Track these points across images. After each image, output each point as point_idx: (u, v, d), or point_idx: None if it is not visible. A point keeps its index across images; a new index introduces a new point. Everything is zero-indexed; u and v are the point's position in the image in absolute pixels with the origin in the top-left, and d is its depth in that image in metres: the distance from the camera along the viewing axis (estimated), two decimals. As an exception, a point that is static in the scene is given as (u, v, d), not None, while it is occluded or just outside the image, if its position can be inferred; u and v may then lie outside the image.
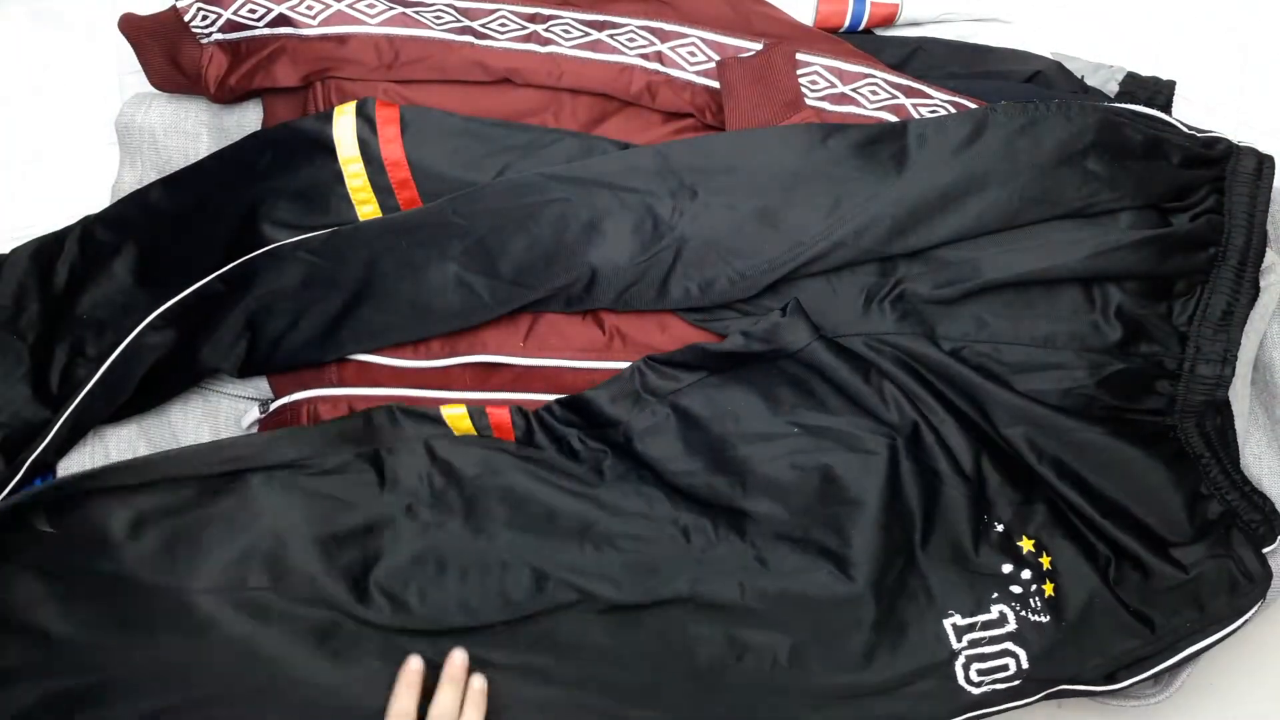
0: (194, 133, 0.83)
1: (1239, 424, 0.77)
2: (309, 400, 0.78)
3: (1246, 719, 0.87)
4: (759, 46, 0.81)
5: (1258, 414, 0.81)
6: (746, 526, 0.74)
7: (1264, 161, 0.77)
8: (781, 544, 0.73)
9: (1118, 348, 0.74)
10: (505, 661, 0.72)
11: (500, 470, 0.75)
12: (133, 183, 0.85)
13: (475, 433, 0.76)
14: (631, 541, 0.73)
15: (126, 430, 0.83)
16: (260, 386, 0.82)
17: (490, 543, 0.73)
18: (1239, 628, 0.74)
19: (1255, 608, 0.73)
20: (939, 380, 0.74)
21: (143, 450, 0.83)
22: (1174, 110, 0.87)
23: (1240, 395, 0.77)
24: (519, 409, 0.76)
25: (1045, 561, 0.74)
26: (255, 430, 0.81)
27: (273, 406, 0.80)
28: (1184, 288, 0.75)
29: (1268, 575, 0.73)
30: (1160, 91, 0.87)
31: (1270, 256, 0.78)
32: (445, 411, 0.76)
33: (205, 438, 0.83)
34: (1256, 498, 0.74)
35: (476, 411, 0.76)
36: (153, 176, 0.85)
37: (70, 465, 0.83)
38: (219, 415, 0.83)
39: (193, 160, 0.83)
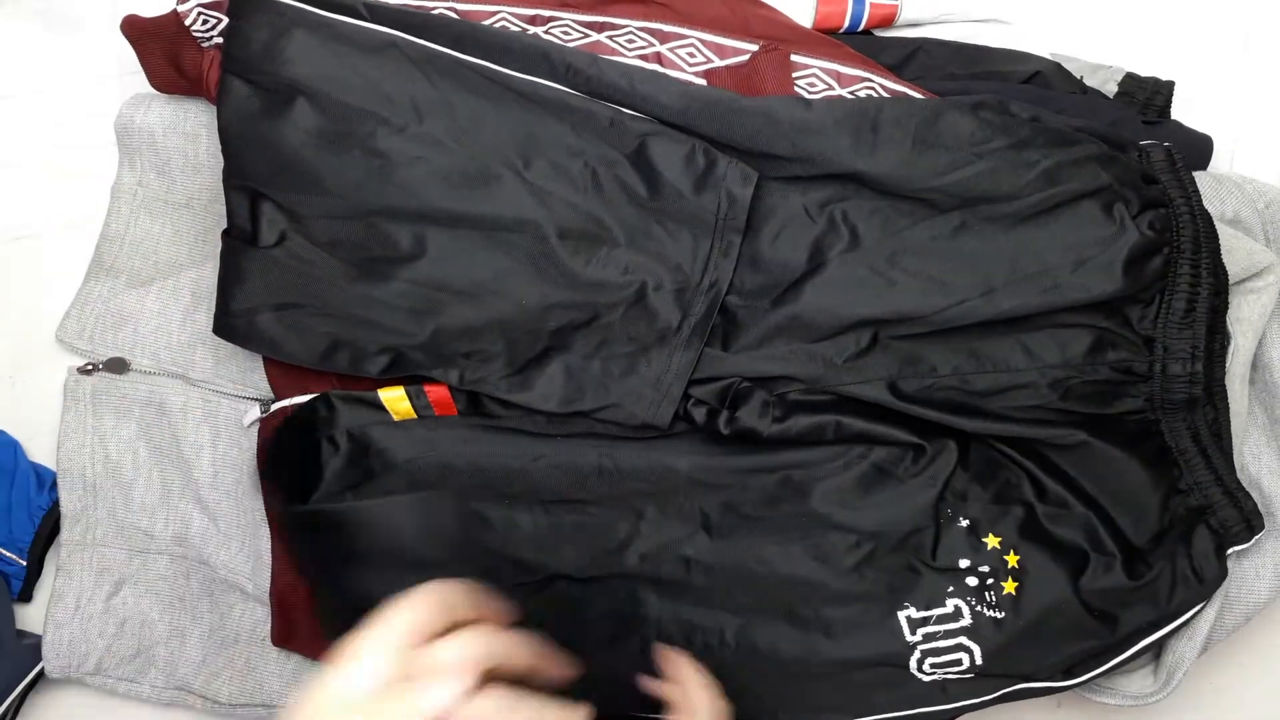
0: (193, 133, 0.83)
1: (1236, 424, 0.77)
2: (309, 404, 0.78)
3: (1246, 719, 0.87)
4: (757, 48, 0.81)
5: (1256, 413, 0.81)
6: (698, 495, 0.75)
7: (1170, 150, 0.77)
8: (729, 515, 0.74)
9: (1083, 359, 0.74)
10: None
11: (438, 447, 0.76)
12: (132, 184, 0.86)
13: (415, 414, 0.76)
14: (585, 505, 0.74)
15: (126, 430, 0.83)
16: (261, 386, 0.82)
17: None
18: (1191, 619, 0.74)
19: (1203, 604, 0.74)
20: (904, 419, 0.75)
21: (143, 451, 0.83)
22: (1174, 110, 0.87)
23: (1239, 395, 0.77)
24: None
25: (1012, 559, 0.74)
26: (256, 429, 0.81)
27: (274, 407, 0.80)
28: (1145, 296, 0.75)
29: (1222, 574, 0.74)
30: (1160, 91, 0.87)
31: (1270, 256, 0.78)
32: (383, 395, 0.76)
33: (205, 437, 0.83)
34: (1239, 494, 0.74)
35: (414, 392, 0.76)
36: (152, 177, 0.85)
37: (71, 460, 0.83)
38: (219, 414, 0.83)
39: (191, 161, 0.84)
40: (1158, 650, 0.77)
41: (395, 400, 0.76)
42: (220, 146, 0.75)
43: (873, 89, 0.80)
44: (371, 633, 0.50)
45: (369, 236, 0.74)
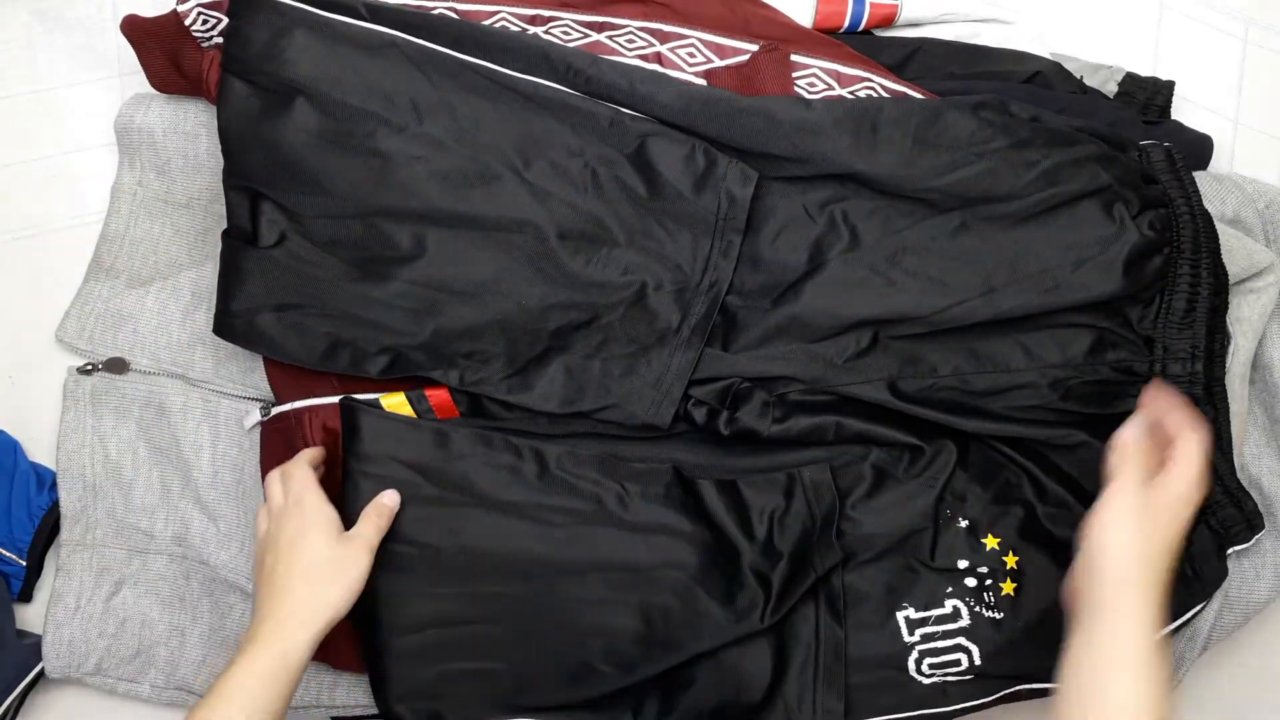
0: (193, 133, 0.83)
1: (1236, 424, 0.77)
2: (310, 408, 0.78)
3: (1246, 719, 0.87)
4: (757, 48, 0.81)
5: (1256, 413, 0.81)
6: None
7: (1170, 151, 0.78)
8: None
9: (1084, 359, 0.74)
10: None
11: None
12: (132, 184, 0.86)
13: (417, 417, 0.76)
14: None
15: (126, 430, 0.83)
16: (261, 386, 0.82)
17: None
18: (1191, 619, 0.74)
19: (1202, 604, 0.74)
20: (904, 419, 0.75)
21: (142, 451, 0.83)
22: (1174, 111, 0.87)
23: (1239, 395, 0.77)
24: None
25: (1010, 561, 0.74)
26: (257, 430, 0.81)
27: (274, 411, 0.80)
28: (1145, 296, 0.75)
29: (1222, 574, 0.74)
30: (1160, 91, 0.87)
31: (1270, 256, 0.78)
32: (384, 401, 0.76)
33: (205, 438, 0.83)
34: (1240, 494, 0.74)
35: (415, 397, 0.76)
36: (152, 177, 0.85)
37: (71, 460, 0.83)
38: (219, 415, 0.83)
39: (191, 161, 0.84)
40: (1158, 650, 0.77)
41: (397, 406, 0.76)
42: (220, 146, 0.75)
43: (873, 89, 0.80)
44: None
45: (369, 236, 0.74)
